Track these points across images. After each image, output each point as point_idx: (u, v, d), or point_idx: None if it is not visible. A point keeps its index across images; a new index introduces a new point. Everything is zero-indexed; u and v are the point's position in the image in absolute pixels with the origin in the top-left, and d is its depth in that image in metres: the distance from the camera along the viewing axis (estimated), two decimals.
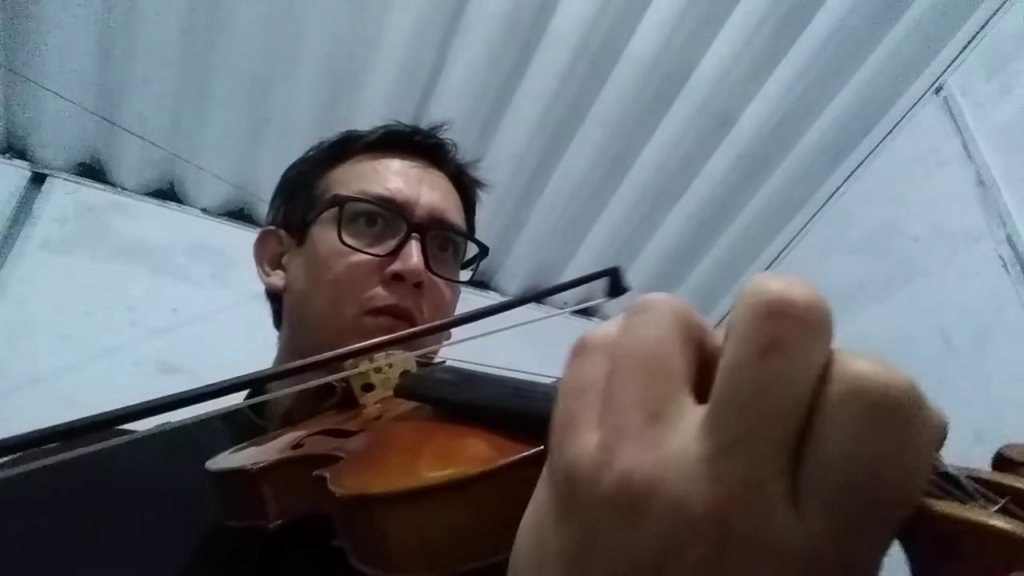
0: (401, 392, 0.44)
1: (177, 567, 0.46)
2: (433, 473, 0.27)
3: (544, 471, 0.22)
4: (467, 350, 0.50)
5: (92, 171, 1.52)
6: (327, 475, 0.31)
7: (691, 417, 0.19)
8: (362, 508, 0.27)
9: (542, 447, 0.26)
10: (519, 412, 0.30)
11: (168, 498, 0.48)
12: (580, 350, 0.23)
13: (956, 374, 1.21)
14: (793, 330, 0.18)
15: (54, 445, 0.31)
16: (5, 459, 0.28)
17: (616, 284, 0.51)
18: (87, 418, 0.29)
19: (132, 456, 0.55)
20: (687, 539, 0.18)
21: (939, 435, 0.18)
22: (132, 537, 0.45)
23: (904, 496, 0.17)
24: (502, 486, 0.26)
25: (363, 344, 0.43)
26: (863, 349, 0.18)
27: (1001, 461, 0.20)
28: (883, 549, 0.18)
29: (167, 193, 1.57)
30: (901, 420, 0.17)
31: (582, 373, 0.22)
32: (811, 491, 0.17)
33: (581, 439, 0.20)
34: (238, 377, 0.35)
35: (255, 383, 0.35)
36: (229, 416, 0.64)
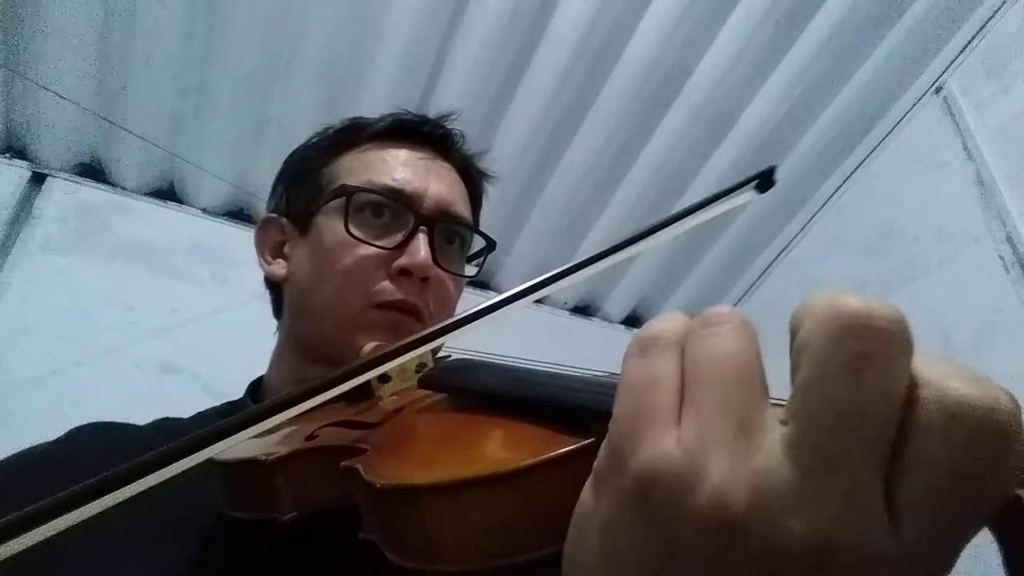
0: (428, 383, 0.42)
1: (183, 558, 0.45)
2: (481, 464, 0.26)
3: (600, 464, 0.22)
4: (472, 340, 0.49)
5: (92, 171, 1.52)
6: (359, 466, 0.30)
7: (776, 432, 0.19)
8: (406, 499, 0.27)
9: (593, 439, 0.26)
10: (559, 402, 0.29)
11: (168, 489, 0.48)
12: (648, 342, 0.22)
13: None
14: (881, 343, 0.18)
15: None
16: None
17: (767, 181, 0.49)
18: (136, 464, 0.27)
19: (132, 448, 0.55)
20: (786, 561, 0.18)
21: None
22: (133, 528, 0.44)
23: (1000, 500, 0.17)
24: (552, 478, 0.25)
25: (391, 349, 0.41)
26: (943, 358, 0.18)
27: None
28: (968, 541, 0.18)
29: (167, 193, 1.57)
30: (1005, 439, 0.17)
31: (653, 366, 0.21)
32: (908, 503, 0.17)
33: (658, 438, 0.20)
34: (279, 398, 0.33)
35: (289, 405, 0.33)
36: (228, 409, 0.64)
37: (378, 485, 0.28)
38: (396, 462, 0.31)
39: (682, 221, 0.40)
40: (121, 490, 0.26)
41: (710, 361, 0.20)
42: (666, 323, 0.22)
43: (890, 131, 1.53)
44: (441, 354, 0.55)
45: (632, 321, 1.94)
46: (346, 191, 0.61)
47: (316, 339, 0.61)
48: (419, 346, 0.35)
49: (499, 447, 0.30)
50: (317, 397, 0.32)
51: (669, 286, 1.87)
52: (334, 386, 0.33)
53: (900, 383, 0.18)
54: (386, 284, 0.59)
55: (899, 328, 0.18)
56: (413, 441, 0.35)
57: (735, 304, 1.89)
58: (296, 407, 0.31)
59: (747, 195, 0.44)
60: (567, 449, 0.25)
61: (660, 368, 0.21)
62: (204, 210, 1.58)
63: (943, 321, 1.26)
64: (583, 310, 1.91)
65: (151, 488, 0.27)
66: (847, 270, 1.55)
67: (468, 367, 0.41)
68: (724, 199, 0.43)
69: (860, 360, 0.17)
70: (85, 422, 0.61)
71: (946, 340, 1.25)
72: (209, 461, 0.35)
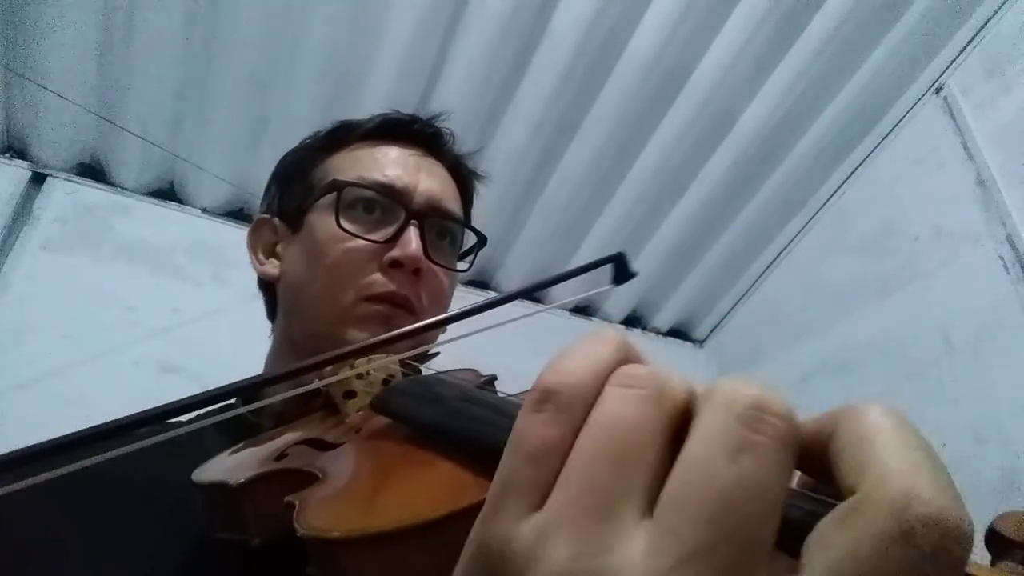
0: (376, 406, 0.41)
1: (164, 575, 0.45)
2: (395, 514, 0.26)
3: (478, 524, 0.20)
4: (462, 347, 0.49)
5: (92, 171, 1.52)
6: (296, 503, 0.31)
7: (642, 526, 0.17)
8: (324, 548, 0.27)
9: None
10: (492, 445, 0.28)
11: (160, 504, 0.47)
12: (546, 395, 0.19)
13: (956, 374, 1.21)
14: (770, 435, 0.17)
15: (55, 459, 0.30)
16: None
17: (622, 271, 0.49)
18: (90, 429, 0.29)
19: (126, 459, 0.55)
20: None
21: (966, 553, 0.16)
22: (123, 545, 0.44)
23: None
24: (466, 526, 0.24)
25: (349, 348, 0.41)
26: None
27: (996, 539, 0.18)
28: None
29: (167, 193, 1.58)
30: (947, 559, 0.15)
31: (548, 433, 0.19)
32: None
33: (515, 515, 0.18)
34: (231, 384, 0.33)
35: (247, 390, 0.34)
36: (222, 410, 0.64)
37: (299, 533, 0.28)
38: (323, 505, 0.31)
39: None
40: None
41: (599, 429, 0.18)
42: (576, 372, 0.20)
43: (890, 131, 1.53)
44: (432, 350, 0.55)
45: (632, 321, 1.94)
46: (336, 186, 0.61)
47: (308, 335, 0.61)
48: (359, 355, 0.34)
49: (420, 494, 0.29)
50: (263, 400, 0.32)
51: (669, 286, 1.87)
52: (281, 379, 0.32)
53: (783, 482, 0.16)
54: (377, 276, 0.59)
55: (792, 425, 0.17)
56: (347, 478, 0.35)
57: (735, 304, 1.90)
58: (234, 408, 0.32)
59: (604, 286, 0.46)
60: (477, 500, 0.25)
61: (549, 437, 0.19)
62: (204, 210, 1.58)
63: (943, 321, 1.26)
64: (583, 310, 1.91)
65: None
66: (847, 270, 1.55)
67: (413, 392, 0.40)
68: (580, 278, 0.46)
69: (745, 446, 0.16)
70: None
71: (946, 340, 1.25)
72: (190, 482, 0.37)
